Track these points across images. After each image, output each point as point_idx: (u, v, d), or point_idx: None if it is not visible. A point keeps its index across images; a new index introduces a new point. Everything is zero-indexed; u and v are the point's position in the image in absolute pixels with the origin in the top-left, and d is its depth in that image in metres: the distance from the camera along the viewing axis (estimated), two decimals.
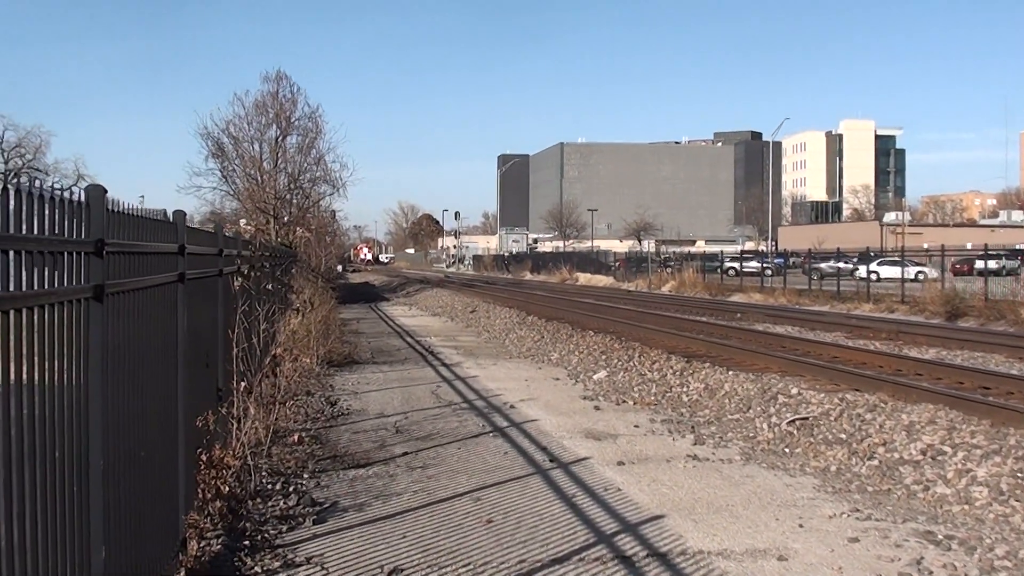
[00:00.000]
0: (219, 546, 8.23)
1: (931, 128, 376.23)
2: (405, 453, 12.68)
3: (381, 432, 14.29)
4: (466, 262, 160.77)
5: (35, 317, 4.25)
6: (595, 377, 20.34)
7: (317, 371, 19.94)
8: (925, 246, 61.38)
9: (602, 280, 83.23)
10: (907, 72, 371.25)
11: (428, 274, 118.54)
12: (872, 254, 60.11)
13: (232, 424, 10.24)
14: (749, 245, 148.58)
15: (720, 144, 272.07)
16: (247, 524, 8.86)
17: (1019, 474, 10.80)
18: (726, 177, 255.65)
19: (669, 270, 74.04)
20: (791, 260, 73.11)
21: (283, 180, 47.53)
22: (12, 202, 4.02)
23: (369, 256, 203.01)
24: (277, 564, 8.08)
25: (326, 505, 9.97)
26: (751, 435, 14.15)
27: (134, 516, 6.01)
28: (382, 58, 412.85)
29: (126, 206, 5.88)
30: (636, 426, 14.94)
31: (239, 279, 11.96)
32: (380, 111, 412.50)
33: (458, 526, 9.23)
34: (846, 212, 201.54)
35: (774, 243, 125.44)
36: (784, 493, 10.77)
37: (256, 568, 7.97)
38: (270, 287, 16.59)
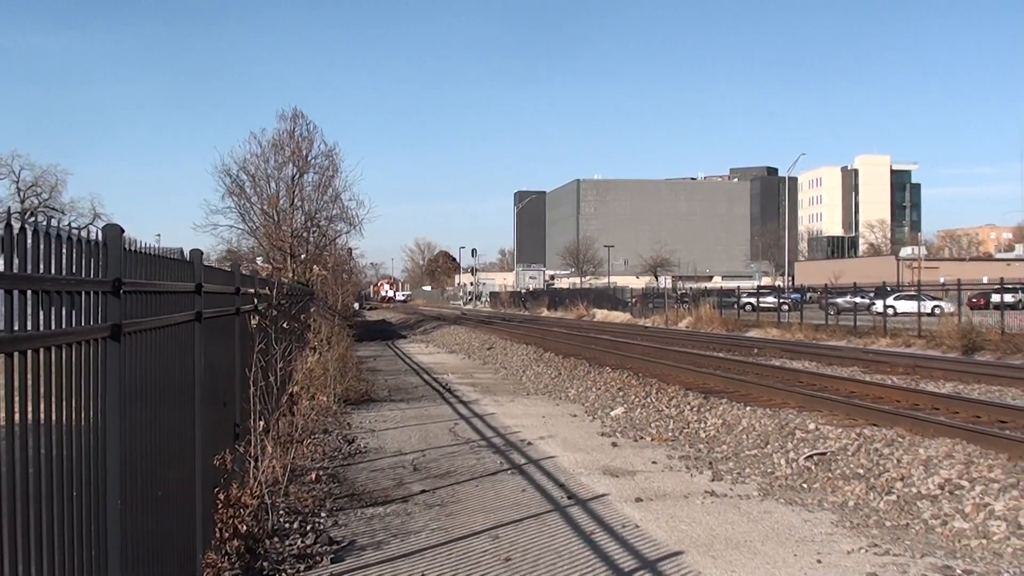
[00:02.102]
0: None
1: (947, 163, 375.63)
2: (423, 491, 12.66)
3: (399, 470, 14.28)
4: (483, 299, 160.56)
5: (52, 357, 4.27)
6: (612, 413, 20.28)
7: (334, 409, 19.91)
8: (941, 280, 61.39)
9: (619, 316, 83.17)
10: (923, 107, 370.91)
11: (445, 311, 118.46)
12: (888, 289, 59.79)
13: (249, 463, 10.26)
14: (766, 280, 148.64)
15: (736, 180, 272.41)
16: (264, 563, 8.86)
17: None
18: (742, 212, 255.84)
19: (686, 306, 73.91)
20: (808, 295, 72.70)
21: (300, 218, 47.69)
22: (29, 241, 4.04)
23: (391, 293, 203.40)
24: None
25: (344, 544, 9.95)
26: (769, 471, 14.10)
27: (151, 556, 6.02)
28: (399, 96, 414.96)
29: (143, 245, 5.91)
30: (654, 462, 14.90)
31: (256, 318, 11.98)
32: (396, 148, 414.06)
33: (476, 564, 9.21)
34: (862, 247, 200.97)
35: (790, 278, 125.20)
36: (802, 529, 10.73)
37: None
38: (287, 325, 16.62)
